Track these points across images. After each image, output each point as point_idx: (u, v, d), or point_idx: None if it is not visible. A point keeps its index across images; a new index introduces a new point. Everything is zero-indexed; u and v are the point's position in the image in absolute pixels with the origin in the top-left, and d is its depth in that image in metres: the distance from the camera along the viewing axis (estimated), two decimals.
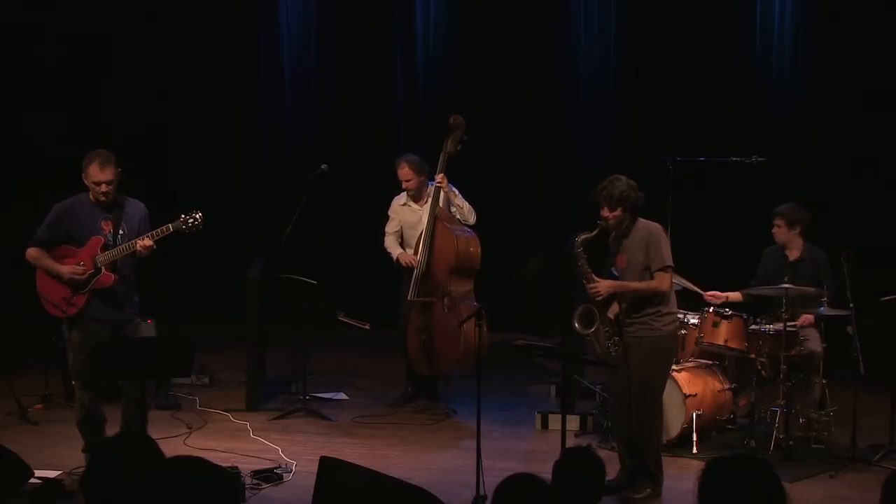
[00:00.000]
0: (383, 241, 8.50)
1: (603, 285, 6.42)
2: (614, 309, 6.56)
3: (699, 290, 7.80)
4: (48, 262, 6.60)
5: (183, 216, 6.53)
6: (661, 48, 10.38)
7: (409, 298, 8.21)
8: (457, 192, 8.34)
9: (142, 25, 11.12)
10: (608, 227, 6.42)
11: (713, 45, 10.26)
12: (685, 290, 7.75)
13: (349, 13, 11.24)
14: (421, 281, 8.17)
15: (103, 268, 6.55)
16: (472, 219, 8.30)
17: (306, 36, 11.33)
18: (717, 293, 7.77)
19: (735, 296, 7.76)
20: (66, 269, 6.54)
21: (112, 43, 11.11)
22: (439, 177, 8.19)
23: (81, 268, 6.53)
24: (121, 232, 6.60)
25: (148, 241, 6.46)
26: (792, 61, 10.19)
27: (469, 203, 8.33)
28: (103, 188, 6.50)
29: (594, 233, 6.43)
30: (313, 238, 10.57)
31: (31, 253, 6.64)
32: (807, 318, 7.51)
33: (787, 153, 9.93)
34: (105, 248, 6.56)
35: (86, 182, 6.54)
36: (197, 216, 6.52)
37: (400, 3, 11.08)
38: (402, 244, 8.46)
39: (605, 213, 6.36)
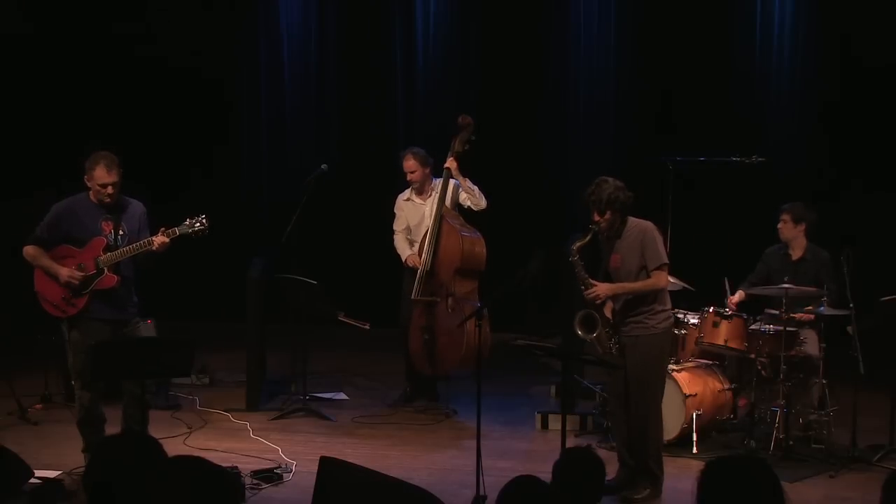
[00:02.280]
0: (393, 240, 8.51)
1: (601, 289, 6.42)
2: (609, 306, 6.57)
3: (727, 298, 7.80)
4: (46, 262, 6.59)
5: (189, 220, 6.55)
6: (661, 48, 10.38)
7: (412, 297, 8.22)
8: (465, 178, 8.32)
9: (137, 25, 11.11)
10: (600, 231, 6.42)
11: (713, 45, 10.26)
12: (684, 288, 7.75)
13: (349, 13, 11.24)
14: (425, 280, 8.17)
15: (106, 269, 6.55)
16: (483, 202, 8.28)
17: (306, 36, 11.32)
18: (733, 299, 7.79)
19: (740, 296, 7.78)
20: (64, 273, 6.51)
21: (110, 43, 11.10)
22: (449, 160, 8.17)
23: (79, 273, 6.51)
24: (121, 232, 6.61)
25: (165, 238, 6.48)
26: (792, 61, 10.20)
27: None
28: (109, 190, 6.50)
29: (587, 238, 6.42)
30: (313, 238, 10.57)
31: (29, 251, 6.62)
32: (803, 315, 7.50)
33: (787, 153, 9.93)
34: (107, 249, 6.56)
35: (88, 184, 6.54)
36: (203, 220, 6.54)
37: (400, 3, 11.08)
38: (411, 241, 8.46)
39: (596, 217, 6.36)
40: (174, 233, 6.51)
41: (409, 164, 8.29)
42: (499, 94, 10.86)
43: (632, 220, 6.43)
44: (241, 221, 11.03)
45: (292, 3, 11.26)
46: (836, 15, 9.87)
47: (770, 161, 8.55)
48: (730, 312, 7.55)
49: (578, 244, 6.44)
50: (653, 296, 6.41)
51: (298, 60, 11.32)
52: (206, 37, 11.13)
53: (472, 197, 8.25)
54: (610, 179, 6.38)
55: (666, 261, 6.40)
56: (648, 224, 6.46)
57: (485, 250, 8.15)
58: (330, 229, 10.79)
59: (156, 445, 3.37)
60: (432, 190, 8.28)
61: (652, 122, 10.37)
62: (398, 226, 8.50)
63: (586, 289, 6.45)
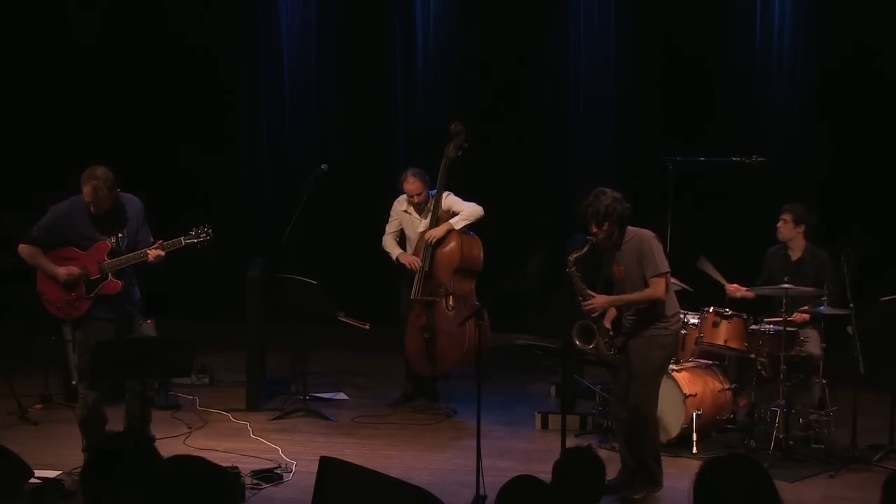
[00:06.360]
0: (382, 240, 8.50)
1: (598, 301, 6.41)
2: (611, 315, 6.56)
3: (724, 282, 7.77)
4: (43, 262, 6.59)
5: (194, 230, 6.58)
6: (661, 48, 10.38)
7: (412, 297, 8.23)
8: (455, 199, 8.30)
9: (142, 27, 11.12)
10: (598, 242, 6.36)
11: (713, 45, 10.26)
12: (684, 289, 7.75)
13: (349, 13, 11.23)
14: (424, 280, 8.19)
15: (110, 274, 6.55)
16: (479, 212, 8.27)
17: (306, 36, 11.31)
18: (739, 287, 7.75)
19: (750, 294, 7.76)
20: (62, 271, 6.53)
21: (111, 46, 11.11)
22: (427, 234, 8.15)
23: (78, 270, 6.52)
24: (120, 234, 6.62)
25: (161, 252, 6.49)
26: (792, 61, 10.19)
27: (469, 203, 8.31)
28: (92, 209, 6.52)
29: (585, 250, 6.39)
30: (313, 238, 10.56)
31: (25, 250, 6.62)
32: (799, 315, 7.50)
33: (787, 153, 9.93)
34: (112, 253, 6.56)
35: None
36: (208, 230, 6.56)
37: (400, 3, 11.08)
38: (405, 244, 8.45)
39: (594, 229, 6.32)
40: (179, 243, 6.55)
41: (415, 186, 8.22)
42: (499, 95, 10.85)
43: (630, 229, 6.37)
44: (241, 221, 11.03)
45: (292, 3, 11.26)
46: (837, 15, 9.86)
47: (770, 161, 8.55)
48: (730, 313, 7.54)
49: (575, 255, 6.41)
50: (660, 307, 6.37)
51: (298, 61, 11.30)
52: (206, 37, 11.14)
53: (470, 221, 8.23)
54: (608, 191, 6.31)
55: (664, 270, 6.34)
56: (647, 233, 6.40)
57: (482, 252, 8.18)
58: (330, 229, 10.79)
59: (150, 445, 3.37)
60: (430, 210, 8.28)
61: (652, 121, 10.36)
62: (390, 228, 8.49)
63: (584, 300, 6.44)
